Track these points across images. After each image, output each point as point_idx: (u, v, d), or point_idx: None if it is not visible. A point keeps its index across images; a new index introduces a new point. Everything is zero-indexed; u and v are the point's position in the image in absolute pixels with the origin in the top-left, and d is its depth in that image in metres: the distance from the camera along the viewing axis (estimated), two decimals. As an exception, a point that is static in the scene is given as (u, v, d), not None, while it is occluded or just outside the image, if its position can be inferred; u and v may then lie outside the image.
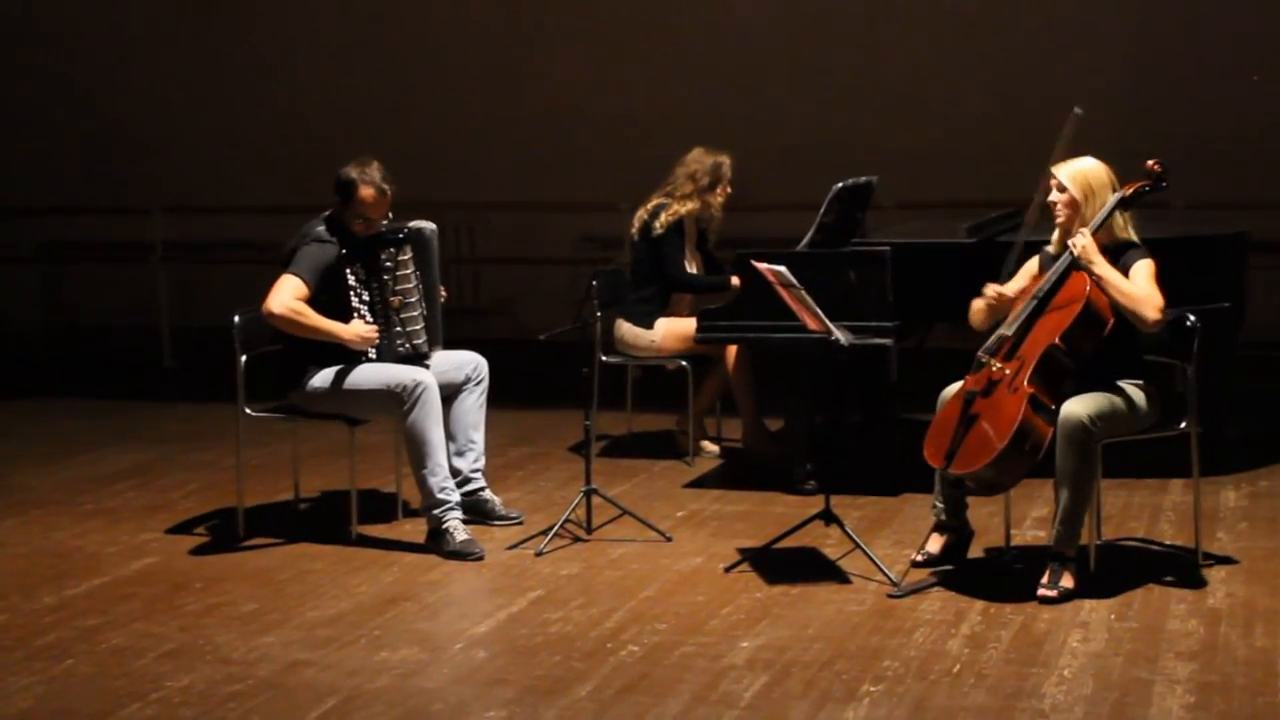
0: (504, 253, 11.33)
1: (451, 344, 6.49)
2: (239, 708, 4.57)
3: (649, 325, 7.37)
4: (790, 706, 4.48)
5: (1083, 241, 5.36)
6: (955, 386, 5.53)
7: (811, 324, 5.69)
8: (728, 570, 5.73)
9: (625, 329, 7.44)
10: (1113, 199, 5.44)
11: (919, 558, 5.70)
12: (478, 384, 6.38)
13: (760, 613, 5.27)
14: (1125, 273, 5.36)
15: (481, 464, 6.40)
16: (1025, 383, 5.27)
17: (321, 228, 6.14)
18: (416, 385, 6.00)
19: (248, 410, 6.36)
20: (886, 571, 5.54)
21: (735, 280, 6.95)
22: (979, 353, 5.46)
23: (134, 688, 4.73)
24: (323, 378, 6.11)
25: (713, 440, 7.73)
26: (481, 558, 5.94)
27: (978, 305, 5.59)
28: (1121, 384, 5.43)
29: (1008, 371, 5.34)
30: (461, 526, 6.04)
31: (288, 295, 5.99)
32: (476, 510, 6.34)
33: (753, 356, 7.21)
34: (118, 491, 7.21)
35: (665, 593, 5.52)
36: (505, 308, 11.36)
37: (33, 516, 6.80)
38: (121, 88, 11.94)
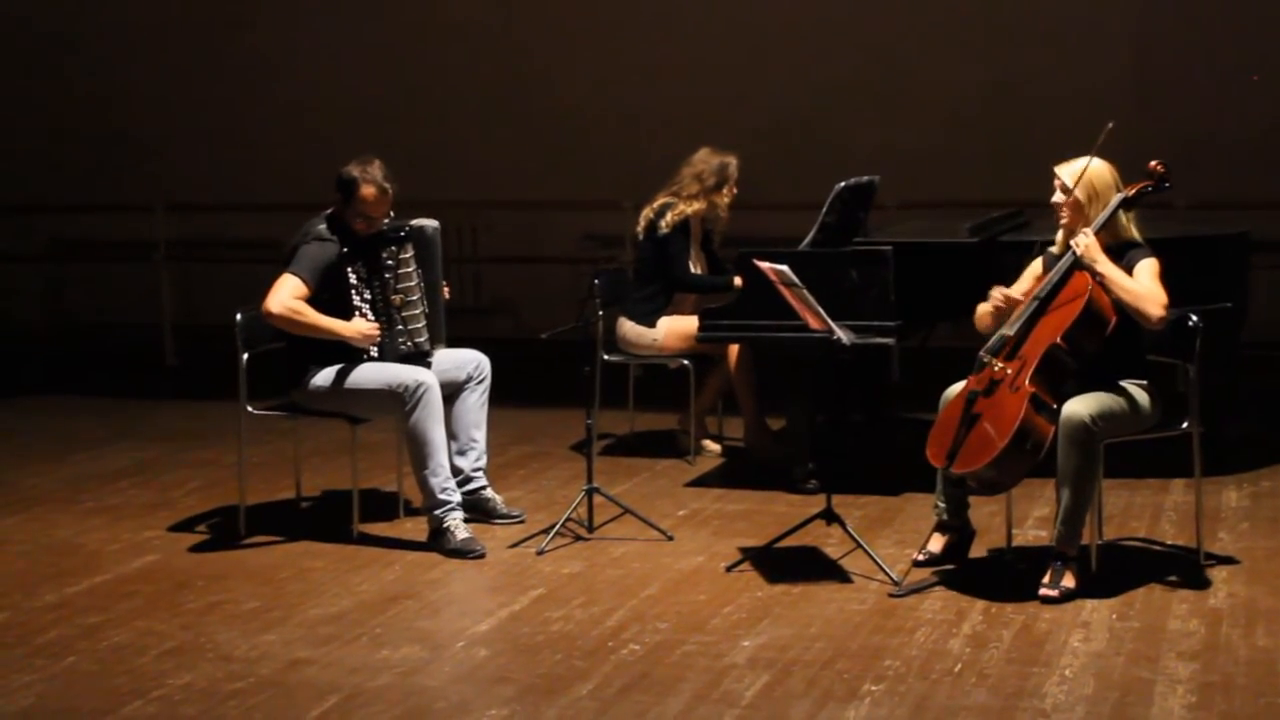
0: (506, 251, 11.33)
1: (453, 343, 6.49)
2: (240, 705, 4.57)
3: (651, 324, 7.37)
4: (791, 706, 4.48)
5: (1086, 241, 5.36)
6: (958, 386, 5.53)
7: (813, 323, 5.69)
8: (729, 569, 5.73)
9: (627, 327, 7.44)
10: (1116, 199, 5.44)
11: (920, 557, 5.70)
12: (480, 383, 6.38)
13: (762, 612, 5.27)
14: (1129, 271, 5.36)
15: (483, 463, 6.40)
16: (1027, 382, 5.27)
17: (322, 226, 6.13)
18: (418, 385, 6.00)
19: (249, 408, 6.36)
20: (888, 571, 5.54)
21: (738, 281, 6.96)
22: (981, 352, 5.45)
23: (135, 685, 4.73)
24: (324, 376, 6.11)
25: (714, 439, 7.73)
26: (483, 556, 5.94)
27: (983, 309, 5.58)
28: (1123, 384, 5.43)
29: (1009, 371, 5.34)
30: (463, 525, 6.04)
31: (286, 294, 5.99)
32: (478, 509, 6.34)
33: (755, 356, 7.21)
34: (119, 489, 7.22)
35: (666, 591, 5.52)
36: (507, 306, 11.35)
37: (34, 514, 6.81)
38: (124, 86, 11.94)
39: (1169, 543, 6.01)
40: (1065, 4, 10.36)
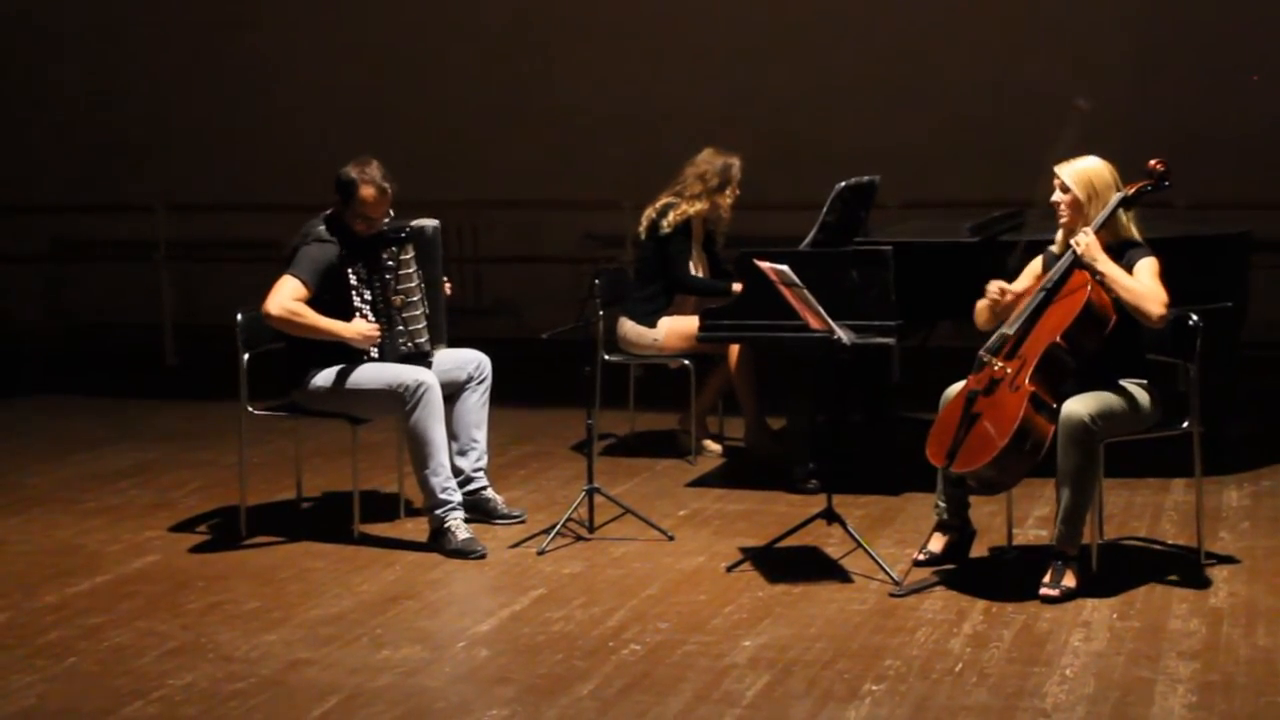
0: (506, 251, 11.33)
1: (454, 343, 6.49)
2: (241, 706, 4.57)
3: (652, 324, 7.37)
4: (792, 705, 4.48)
5: (1086, 240, 5.37)
6: (958, 386, 5.53)
7: (814, 323, 5.69)
8: (730, 569, 5.73)
9: (628, 327, 7.44)
10: (1115, 198, 5.44)
11: (921, 557, 5.71)
12: (480, 383, 6.38)
13: (762, 612, 5.27)
14: (1129, 271, 5.36)
15: (484, 463, 6.40)
16: (1027, 381, 5.27)
17: (322, 228, 6.13)
18: (419, 385, 6.00)
19: (250, 409, 6.36)
20: (888, 570, 5.54)
21: (737, 287, 6.96)
22: (981, 351, 5.46)
23: (136, 686, 4.73)
24: (325, 377, 6.11)
25: (715, 439, 7.73)
26: (483, 556, 5.94)
27: (982, 304, 5.59)
28: (1123, 383, 5.43)
29: (1009, 370, 5.34)
30: (463, 525, 6.04)
31: (285, 296, 5.99)
32: (478, 509, 6.34)
33: (755, 355, 7.21)
34: (120, 490, 7.22)
35: (667, 592, 5.52)
36: (508, 306, 11.35)
37: (35, 514, 6.81)
38: (124, 87, 11.95)
39: (1169, 542, 6.01)
40: (1066, 3, 10.36)
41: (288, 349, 6.19)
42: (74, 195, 11.89)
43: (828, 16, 10.66)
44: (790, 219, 8.26)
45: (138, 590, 5.68)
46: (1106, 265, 5.34)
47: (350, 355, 6.10)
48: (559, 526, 6.11)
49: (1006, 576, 5.62)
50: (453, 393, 6.29)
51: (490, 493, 6.43)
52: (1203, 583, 5.47)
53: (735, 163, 7.36)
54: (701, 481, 7.11)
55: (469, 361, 6.39)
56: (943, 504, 5.68)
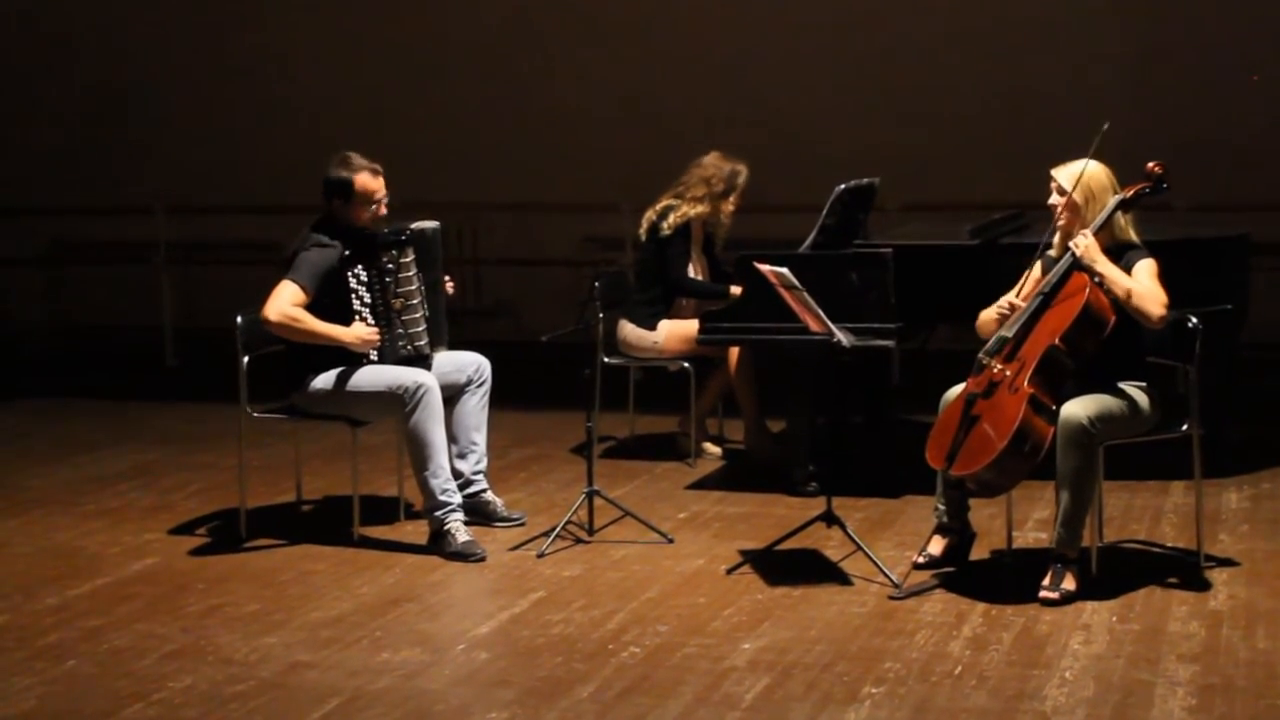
0: (506, 254, 11.34)
1: (454, 345, 6.49)
2: (241, 708, 4.57)
3: (652, 326, 7.38)
4: (791, 708, 4.48)
5: (1085, 242, 5.37)
6: (958, 388, 5.53)
7: (814, 326, 5.70)
8: (729, 572, 5.73)
9: (628, 330, 7.44)
10: (1113, 201, 5.44)
11: (920, 559, 5.71)
12: (480, 385, 6.38)
13: (762, 614, 5.27)
14: (1128, 272, 5.36)
15: (483, 466, 6.40)
16: (1026, 383, 5.27)
17: (321, 233, 6.13)
18: (418, 387, 6.00)
19: (250, 411, 6.36)
20: (888, 573, 5.54)
21: (736, 290, 6.96)
22: (980, 354, 5.46)
23: (136, 688, 4.73)
24: (325, 379, 6.11)
25: (715, 442, 7.73)
26: (483, 559, 5.94)
27: (988, 315, 5.57)
28: (1122, 385, 5.43)
29: (1008, 373, 5.34)
30: (463, 528, 6.04)
31: (284, 302, 5.99)
32: (478, 512, 6.34)
33: (755, 358, 7.21)
34: (120, 492, 7.22)
35: (667, 594, 5.52)
36: (507, 309, 11.36)
37: (35, 517, 6.81)
38: (125, 88, 11.95)
39: (1169, 545, 6.01)
40: (1065, 6, 10.37)
41: (288, 352, 6.19)
42: (74, 197, 11.90)
43: (828, 19, 10.66)
44: (790, 221, 8.26)
45: (138, 592, 5.68)
46: (1106, 267, 5.34)
47: (350, 358, 6.10)
48: (559, 529, 6.11)
49: (1006, 579, 5.62)
50: (452, 395, 6.30)
51: (490, 495, 6.43)
52: (1202, 585, 5.47)
53: (742, 170, 7.35)
54: (701, 484, 7.11)
55: (468, 364, 6.39)
56: (942, 507, 5.68)
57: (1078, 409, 5.27)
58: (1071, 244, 5.40)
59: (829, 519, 5.74)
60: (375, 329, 6.10)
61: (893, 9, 10.60)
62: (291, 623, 5.30)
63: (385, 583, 5.74)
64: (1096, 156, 5.50)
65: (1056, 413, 5.29)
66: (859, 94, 10.58)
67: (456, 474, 6.22)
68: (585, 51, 11.11)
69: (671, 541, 6.13)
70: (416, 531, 6.27)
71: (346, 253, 6.08)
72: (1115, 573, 5.55)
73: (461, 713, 4.53)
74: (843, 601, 5.38)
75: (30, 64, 12.12)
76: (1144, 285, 5.32)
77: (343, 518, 6.37)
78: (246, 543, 6.29)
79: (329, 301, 6.05)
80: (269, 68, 11.64)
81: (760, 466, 7.22)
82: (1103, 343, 5.33)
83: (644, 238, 7.42)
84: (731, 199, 7.34)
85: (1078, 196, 5.45)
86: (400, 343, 6.16)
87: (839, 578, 5.64)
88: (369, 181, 6.12)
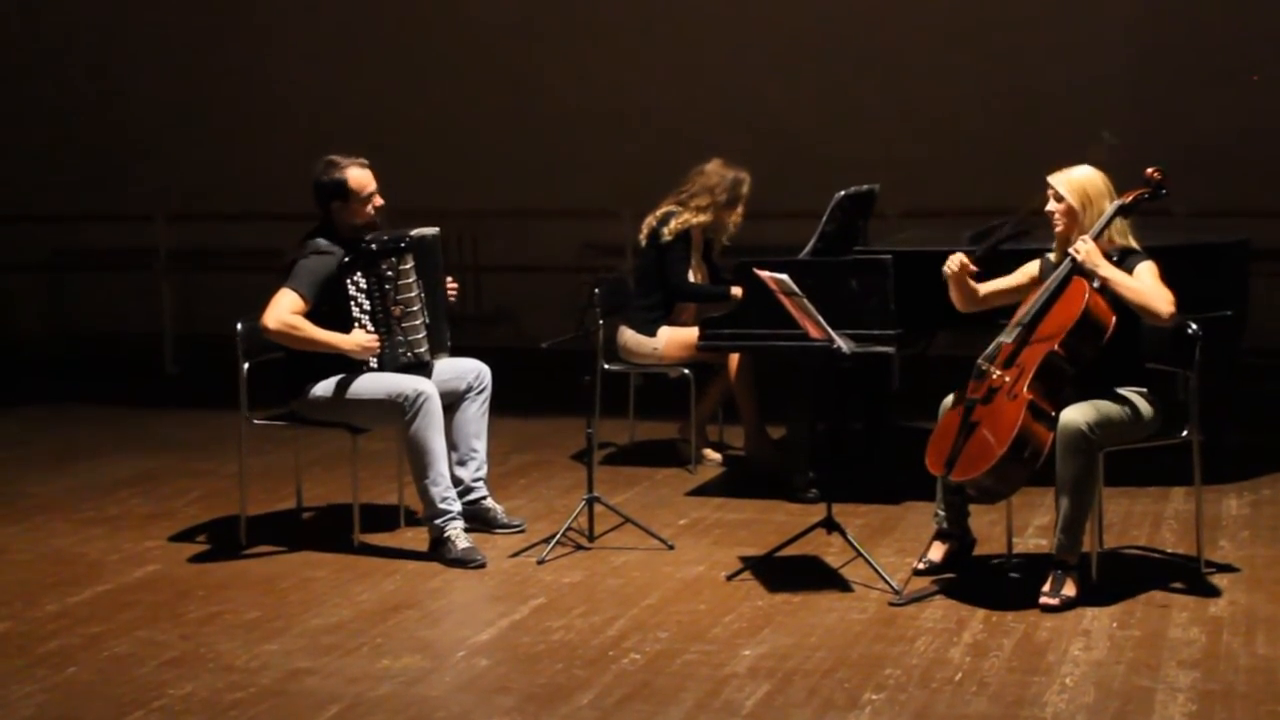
0: (506, 260, 11.33)
1: (453, 352, 6.49)
2: (241, 715, 4.57)
3: (652, 333, 7.38)
4: (792, 715, 4.48)
5: (1086, 247, 5.37)
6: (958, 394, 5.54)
7: (814, 332, 5.70)
8: (730, 578, 5.73)
9: (628, 336, 7.44)
10: (1113, 206, 5.45)
11: (921, 566, 5.71)
12: (480, 393, 6.38)
13: (762, 621, 5.27)
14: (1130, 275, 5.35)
15: (483, 473, 6.40)
16: (1025, 389, 5.27)
17: (320, 239, 6.14)
18: (418, 395, 6.00)
19: (250, 418, 6.36)
20: (888, 579, 5.54)
21: (736, 291, 6.97)
22: (979, 360, 5.46)
23: (136, 695, 4.73)
24: (324, 387, 6.11)
25: (715, 448, 7.73)
26: (483, 566, 5.94)
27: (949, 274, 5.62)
28: (1122, 391, 5.43)
29: (1007, 379, 5.35)
30: (463, 535, 6.04)
31: (283, 310, 5.99)
32: (478, 518, 6.34)
33: (755, 365, 7.21)
34: (120, 499, 7.22)
35: (667, 601, 5.52)
36: (507, 316, 11.36)
37: (35, 523, 6.81)
38: (125, 96, 11.94)
39: (1169, 551, 6.01)
40: (1065, 12, 10.37)
41: (287, 359, 6.19)
42: (75, 205, 11.90)
43: (827, 26, 10.66)
44: (789, 228, 8.26)
45: (138, 599, 5.68)
46: (1108, 270, 5.34)
47: (350, 365, 6.10)
48: (559, 536, 6.11)
49: (1006, 585, 5.62)
50: (452, 402, 6.30)
51: (490, 502, 6.43)
52: (1203, 591, 5.47)
53: (745, 178, 7.34)
54: (701, 490, 7.12)
55: (468, 371, 6.39)
56: (942, 513, 5.68)
57: (1077, 415, 5.28)
58: (1071, 250, 5.41)
59: (829, 525, 5.74)
60: (375, 336, 6.10)
61: (893, 14, 10.60)
62: (292, 630, 5.30)
63: (385, 589, 5.73)
64: (1096, 163, 5.51)
65: (1056, 419, 5.29)
66: (859, 100, 10.58)
67: (456, 481, 6.22)
68: (585, 57, 11.11)
69: (672, 548, 6.13)
70: (417, 538, 6.27)
71: (345, 260, 6.08)
72: (1116, 579, 5.55)
73: (462, 719, 4.53)
74: (843, 608, 5.38)
75: (31, 72, 12.12)
76: (1149, 285, 5.32)
77: (343, 525, 6.37)
78: (247, 550, 6.29)
79: (328, 309, 6.05)
80: (269, 75, 11.64)
81: (760, 473, 7.22)
82: (1102, 348, 5.33)
83: (644, 244, 7.42)
84: (739, 209, 7.33)
85: (1074, 202, 5.46)
86: (400, 350, 6.16)
87: (839, 584, 5.64)
88: (361, 176, 6.13)
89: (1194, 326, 5.54)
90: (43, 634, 5.32)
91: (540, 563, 5.97)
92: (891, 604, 5.39)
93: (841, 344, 5.62)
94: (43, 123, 12.14)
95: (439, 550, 6.02)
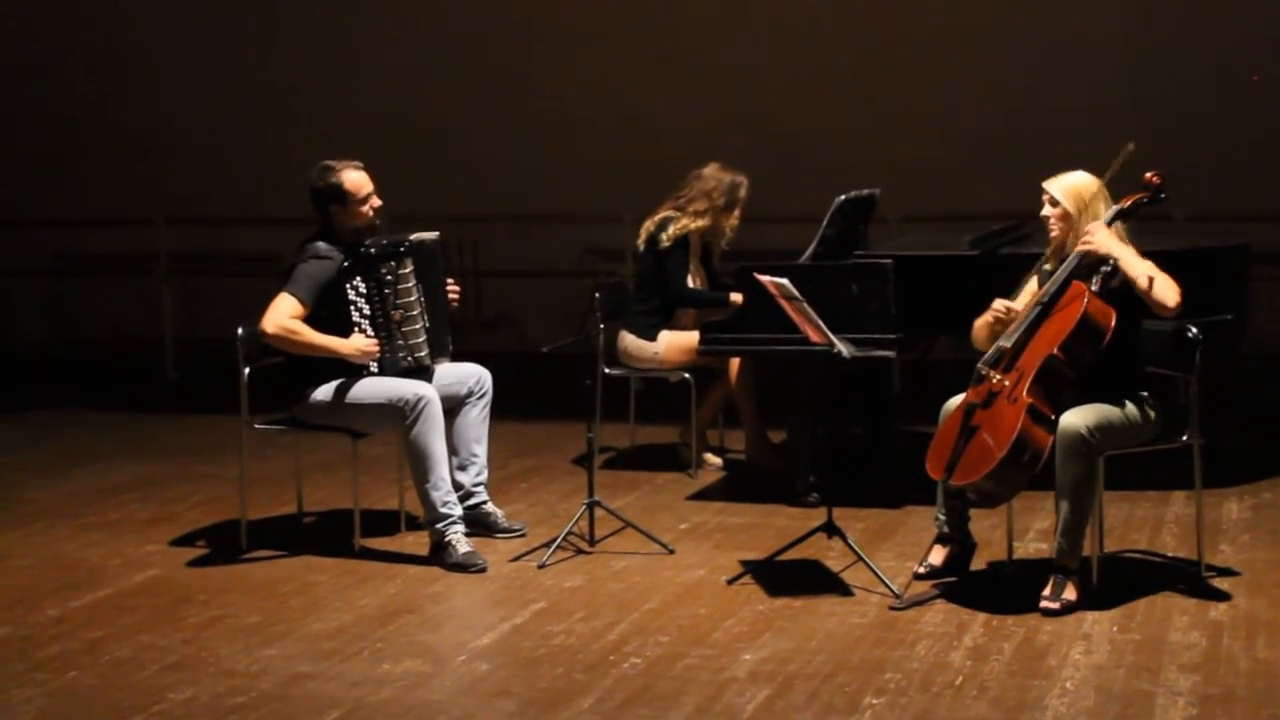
0: (507, 265, 11.35)
1: (455, 357, 6.48)
2: (242, 720, 4.58)
3: (652, 337, 7.38)
4: (792, 719, 4.48)
5: (1101, 231, 5.34)
6: (958, 399, 5.54)
7: (814, 336, 5.70)
8: (730, 582, 5.74)
9: (629, 341, 7.45)
10: (1112, 211, 5.45)
11: (921, 570, 5.71)
12: (481, 397, 6.39)
13: (763, 625, 5.27)
14: (1129, 281, 5.34)
15: (484, 478, 6.40)
16: (1024, 393, 5.27)
17: (320, 244, 6.14)
18: (418, 399, 6.00)
19: (251, 423, 6.36)
20: (889, 583, 5.54)
21: (735, 297, 6.97)
22: (979, 365, 5.46)
23: (137, 700, 4.73)
24: (325, 391, 6.11)
25: (715, 452, 7.73)
26: (484, 570, 5.95)
27: (982, 321, 5.58)
28: (1122, 396, 5.43)
29: (1007, 383, 5.35)
30: (464, 539, 6.04)
31: (281, 315, 6.00)
32: (479, 523, 6.34)
33: (755, 369, 7.21)
34: (121, 503, 7.22)
35: (668, 605, 5.52)
36: (508, 320, 11.36)
37: (36, 528, 6.81)
38: (126, 101, 11.97)
39: (1170, 555, 6.01)
40: (1065, 16, 10.39)
41: (288, 363, 6.20)
42: (76, 210, 11.91)
43: (829, 29, 10.68)
44: (790, 232, 8.27)
45: (139, 604, 5.68)
46: (1122, 251, 5.32)
47: (350, 370, 6.11)
48: (560, 540, 6.11)
49: (1007, 589, 5.62)
50: (453, 407, 6.30)
51: (490, 507, 6.43)
52: (1203, 595, 5.47)
53: (743, 182, 7.34)
54: (702, 495, 7.12)
55: (469, 376, 6.39)
56: (943, 517, 5.69)
57: (1076, 419, 5.28)
58: (1085, 235, 5.37)
59: (830, 529, 5.74)
60: (374, 341, 6.10)
61: (893, 19, 10.62)
62: (292, 634, 5.30)
63: (386, 594, 5.74)
64: (1095, 168, 5.51)
65: (1055, 422, 5.29)
66: (860, 104, 10.59)
67: (457, 486, 6.22)
68: (586, 61, 11.12)
69: (672, 552, 6.13)
70: (417, 543, 6.27)
71: (345, 264, 6.09)
72: (1116, 583, 5.55)
73: (462, 724, 4.54)
74: (844, 612, 5.38)
75: (31, 78, 12.13)
76: (1160, 274, 5.31)
77: (344, 529, 6.37)
78: (247, 554, 6.29)
79: (327, 314, 6.06)
80: (270, 79, 11.65)
81: (761, 477, 7.22)
82: (1101, 352, 5.33)
83: (642, 249, 7.42)
84: (735, 212, 7.34)
85: (1070, 206, 5.46)
86: (401, 354, 6.16)
87: (840, 588, 5.64)
88: (356, 178, 6.14)
89: (1194, 330, 5.54)
90: (43, 639, 5.32)
91: (541, 567, 5.97)
92: (892, 608, 5.39)
93: (842, 348, 5.62)
94: (43, 127, 12.16)
95: (440, 555, 6.02)
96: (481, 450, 6.38)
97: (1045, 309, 5.40)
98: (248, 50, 11.73)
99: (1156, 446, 5.55)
